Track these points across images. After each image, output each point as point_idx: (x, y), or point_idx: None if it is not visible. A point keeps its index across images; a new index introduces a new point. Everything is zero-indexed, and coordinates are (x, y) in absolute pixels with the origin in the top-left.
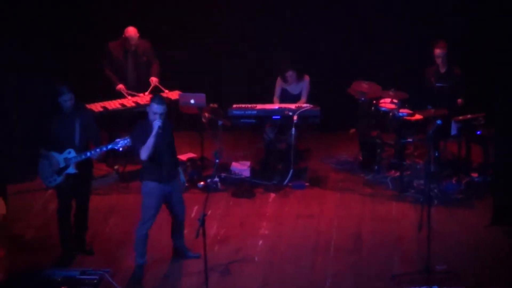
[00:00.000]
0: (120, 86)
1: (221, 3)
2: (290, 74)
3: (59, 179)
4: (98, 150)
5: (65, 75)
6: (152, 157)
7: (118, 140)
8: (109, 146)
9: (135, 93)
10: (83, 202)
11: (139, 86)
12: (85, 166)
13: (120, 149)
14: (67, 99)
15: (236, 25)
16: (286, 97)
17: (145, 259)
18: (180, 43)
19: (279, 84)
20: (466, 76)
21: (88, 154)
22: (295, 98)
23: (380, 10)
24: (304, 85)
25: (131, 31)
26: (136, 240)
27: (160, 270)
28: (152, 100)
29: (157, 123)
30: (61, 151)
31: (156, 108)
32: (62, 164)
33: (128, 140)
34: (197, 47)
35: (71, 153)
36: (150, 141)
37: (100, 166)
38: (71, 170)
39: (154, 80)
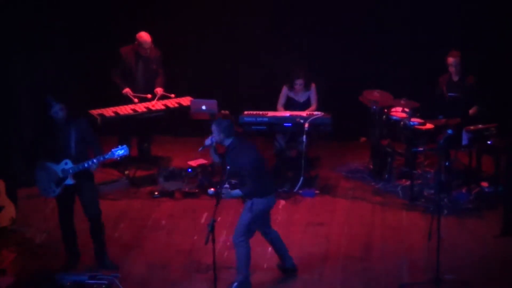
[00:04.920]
0: (127, 90)
1: (233, 12)
2: (300, 82)
3: (58, 190)
4: (95, 161)
5: (80, 81)
6: None
7: (113, 150)
8: (106, 156)
9: (142, 95)
10: (93, 216)
11: (146, 92)
12: (83, 176)
13: (118, 158)
14: (57, 110)
15: (247, 32)
16: (292, 105)
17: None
18: (193, 50)
19: (284, 92)
20: (481, 85)
21: (86, 165)
22: (301, 106)
23: (393, 18)
24: (311, 93)
25: (145, 36)
26: None
27: (167, 277)
28: None
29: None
30: (58, 162)
31: None
32: (60, 175)
33: (125, 149)
34: (210, 54)
35: (68, 164)
36: None
37: (111, 171)
38: (69, 181)
39: (159, 90)
